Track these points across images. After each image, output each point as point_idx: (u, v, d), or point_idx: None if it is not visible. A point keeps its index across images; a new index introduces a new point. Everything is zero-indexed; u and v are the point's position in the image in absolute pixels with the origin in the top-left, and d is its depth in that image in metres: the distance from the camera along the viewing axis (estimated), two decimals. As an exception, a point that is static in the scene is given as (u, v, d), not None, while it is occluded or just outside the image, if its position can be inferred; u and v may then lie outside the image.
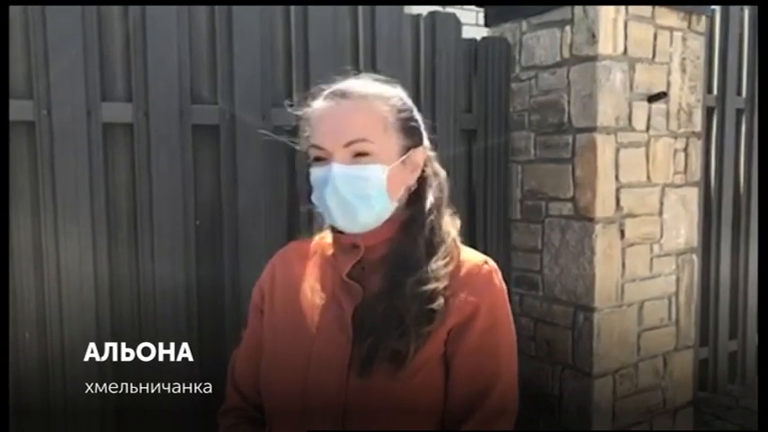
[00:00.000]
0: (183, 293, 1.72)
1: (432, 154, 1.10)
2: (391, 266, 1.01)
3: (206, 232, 1.77)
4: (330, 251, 1.10)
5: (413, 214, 1.05)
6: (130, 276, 1.68)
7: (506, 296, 1.05)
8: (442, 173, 1.11)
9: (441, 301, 0.97)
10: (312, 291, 1.07)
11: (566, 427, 2.28)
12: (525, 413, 2.53)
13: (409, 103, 1.07)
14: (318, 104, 1.03)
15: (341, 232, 1.07)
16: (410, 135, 1.04)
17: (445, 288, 0.99)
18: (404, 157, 1.03)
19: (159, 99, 1.67)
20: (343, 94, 1.01)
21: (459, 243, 1.07)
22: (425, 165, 1.08)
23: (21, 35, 1.53)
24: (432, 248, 1.02)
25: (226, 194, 1.79)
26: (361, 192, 0.99)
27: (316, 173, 1.02)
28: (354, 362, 0.96)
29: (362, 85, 1.04)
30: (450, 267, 1.01)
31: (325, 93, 1.03)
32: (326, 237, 1.14)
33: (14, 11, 1.51)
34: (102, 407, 1.64)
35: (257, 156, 1.80)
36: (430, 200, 1.06)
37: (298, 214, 1.87)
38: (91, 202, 1.60)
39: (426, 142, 1.08)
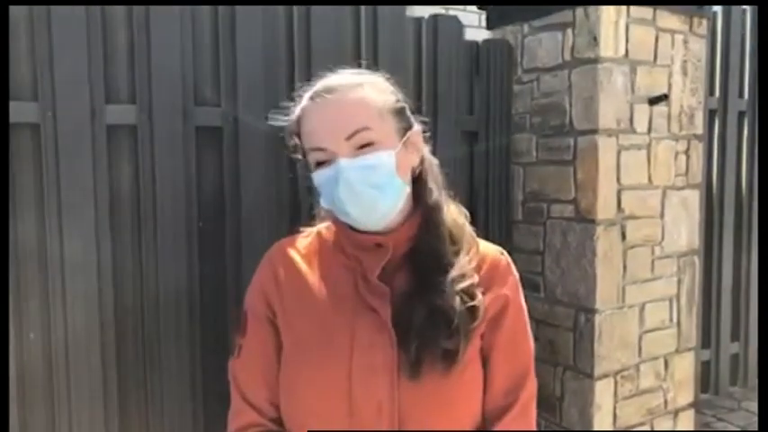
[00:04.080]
0: (187, 294, 1.73)
1: (426, 146, 1.09)
2: (420, 263, 1.00)
3: (209, 234, 1.78)
4: (339, 250, 1.06)
5: (427, 204, 1.03)
6: (134, 277, 1.69)
7: (519, 282, 1.09)
8: (435, 161, 1.11)
9: (480, 296, 0.98)
10: (331, 294, 1.02)
11: (567, 429, 2.28)
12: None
13: (390, 85, 1.05)
14: (304, 107, 1.00)
15: (356, 230, 1.03)
16: (403, 116, 1.03)
17: (478, 283, 1.00)
18: (404, 139, 1.00)
19: (163, 101, 1.68)
20: (329, 90, 0.98)
21: (474, 235, 1.07)
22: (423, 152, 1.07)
23: (26, 38, 1.54)
24: (454, 243, 1.02)
25: (229, 196, 1.80)
26: (374, 180, 0.96)
27: (322, 176, 0.98)
28: (403, 365, 0.94)
29: (344, 77, 1.01)
30: (475, 262, 1.02)
31: (308, 95, 1.00)
32: (325, 234, 1.11)
33: (19, 14, 1.52)
34: (106, 405, 1.65)
35: (260, 157, 1.81)
36: (432, 185, 1.05)
37: (301, 215, 1.88)
38: (95, 203, 1.61)
39: (417, 124, 1.06)
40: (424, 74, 2.17)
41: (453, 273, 0.98)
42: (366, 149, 0.96)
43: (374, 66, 2.02)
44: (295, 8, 1.89)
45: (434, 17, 2.19)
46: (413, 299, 0.97)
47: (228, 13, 1.78)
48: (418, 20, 2.18)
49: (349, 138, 0.95)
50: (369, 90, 0.99)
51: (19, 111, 1.52)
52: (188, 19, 1.72)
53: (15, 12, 1.51)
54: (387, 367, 0.95)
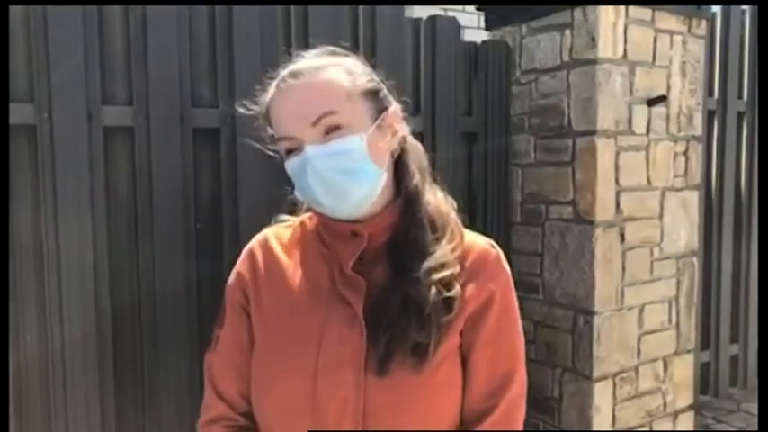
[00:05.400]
0: (184, 296, 1.73)
1: (406, 128, 1.02)
2: (398, 253, 0.95)
3: (206, 235, 1.78)
4: (318, 240, 1.03)
5: (407, 190, 0.98)
6: (131, 280, 1.68)
7: (511, 278, 1.03)
8: (419, 145, 1.05)
9: (457, 288, 0.93)
10: (307, 286, 0.99)
11: (565, 431, 2.28)
12: (525, 416, 2.53)
13: (366, 67, 0.99)
14: (272, 95, 0.96)
15: (335, 219, 0.99)
16: (376, 98, 0.97)
17: (459, 274, 0.95)
18: (378, 121, 0.95)
19: (160, 102, 1.68)
20: (294, 75, 0.94)
21: (460, 225, 1.02)
22: (404, 134, 1.00)
23: (23, 39, 1.54)
24: (436, 231, 0.97)
25: (226, 197, 1.80)
26: (344, 167, 0.91)
27: (291, 165, 0.95)
28: (371, 360, 0.90)
29: (311, 60, 0.97)
30: (458, 252, 0.97)
31: (275, 82, 0.97)
32: (308, 224, 1.07)
33: (16, 15, 1.52)
34: (102, 408, 1.64)
35: (257, 158, 1.79)
36: (413, 169, 1.00)
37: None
38: (92, 205, 1.60)
39: (396, 104, 1.00)
40: (422, 75, 2.16)
41: (431, 261, 0.93)
42: (333, 134, 0.91)
43: (372, 67, 2.02)
44: (292, 8, 1.89)
45: (433, 18, 2.19)
46: (389, 290, 0.93)
47: (226, 13, 1.77)
48: (416, 21, 2.17)
49: (315, 123, 0.91)
50: (336, 72, 0.94)
51: (15, 112, 1.51)
52: (185, 20, 1.72)
53: (12, 13, 1.50)
54: (354, 362, 0.90)
